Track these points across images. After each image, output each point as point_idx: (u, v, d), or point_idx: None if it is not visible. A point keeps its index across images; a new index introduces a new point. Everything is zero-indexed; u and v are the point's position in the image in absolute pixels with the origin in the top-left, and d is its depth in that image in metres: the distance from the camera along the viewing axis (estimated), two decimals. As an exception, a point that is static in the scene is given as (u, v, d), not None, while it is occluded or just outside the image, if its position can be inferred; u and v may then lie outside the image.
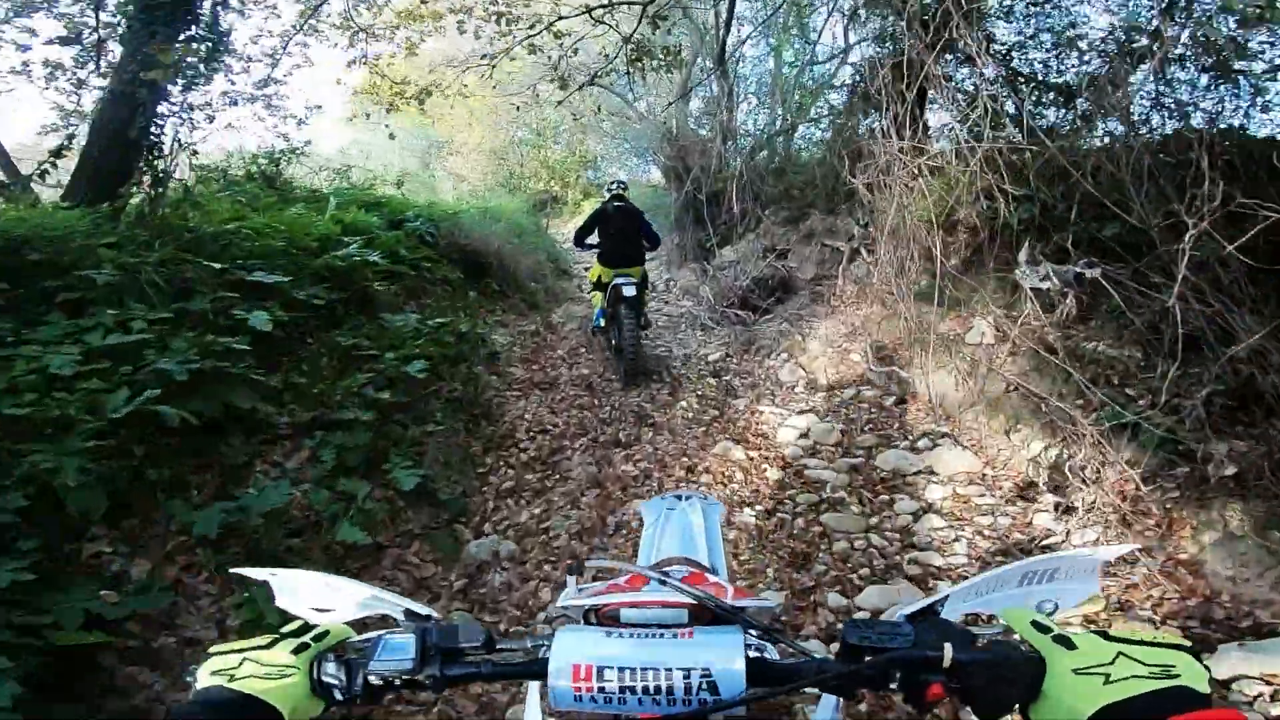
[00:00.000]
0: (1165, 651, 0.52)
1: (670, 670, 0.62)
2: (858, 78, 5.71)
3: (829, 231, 6.04)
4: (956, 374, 3.56)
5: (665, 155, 9.18)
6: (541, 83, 10.04)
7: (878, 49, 5.00)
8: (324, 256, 3.92)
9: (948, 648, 0.57)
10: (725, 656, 0.62)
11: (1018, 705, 0.56)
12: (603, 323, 5.00)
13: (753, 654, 0.65)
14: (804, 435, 3.72)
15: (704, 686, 0.61)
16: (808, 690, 0.64)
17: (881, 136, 4.24)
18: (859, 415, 3.85)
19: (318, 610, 0.81)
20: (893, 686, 0.59)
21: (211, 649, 0.64)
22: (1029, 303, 3.23)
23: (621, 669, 0.63)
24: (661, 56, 6.25)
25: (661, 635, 0.66)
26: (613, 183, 5.22)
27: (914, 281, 4.05)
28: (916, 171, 3.92)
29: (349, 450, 2.82)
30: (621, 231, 4.94)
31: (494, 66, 5.91)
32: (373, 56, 5.98)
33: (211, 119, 3.96)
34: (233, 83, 4.44)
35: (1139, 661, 0.51)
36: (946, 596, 0.70)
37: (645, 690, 0.62)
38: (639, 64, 6.09)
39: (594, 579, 0.97)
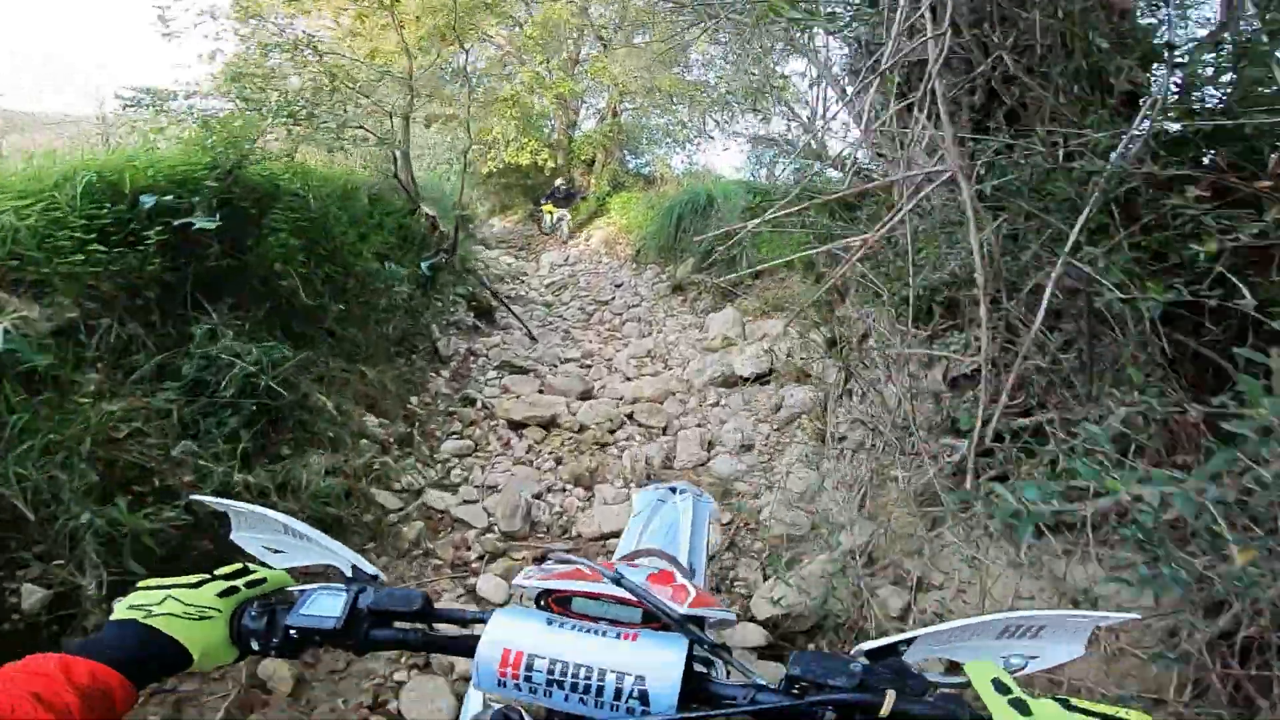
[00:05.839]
0: None
1: (604, 672, 0.60)
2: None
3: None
4: None
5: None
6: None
7: None
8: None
9: (890, 696, 0.54)
10: (663, 668, 0.60)
11: None
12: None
13: (698, 668, 0.63)
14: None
15: (635, 695, 0.59)
16: (739, 716, 0.61)
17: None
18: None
19: (271, 551, 0.80)
20: None
21: (140, 583, 0.63)
22: None
23: (553, 661, 0.61)
24: None
25: (604, 633, 0.64)
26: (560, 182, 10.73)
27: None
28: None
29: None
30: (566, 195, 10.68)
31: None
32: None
33: None
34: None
35: None
36: (915, 638, 0.65)
37: (574, 688, 0.61)
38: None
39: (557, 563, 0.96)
